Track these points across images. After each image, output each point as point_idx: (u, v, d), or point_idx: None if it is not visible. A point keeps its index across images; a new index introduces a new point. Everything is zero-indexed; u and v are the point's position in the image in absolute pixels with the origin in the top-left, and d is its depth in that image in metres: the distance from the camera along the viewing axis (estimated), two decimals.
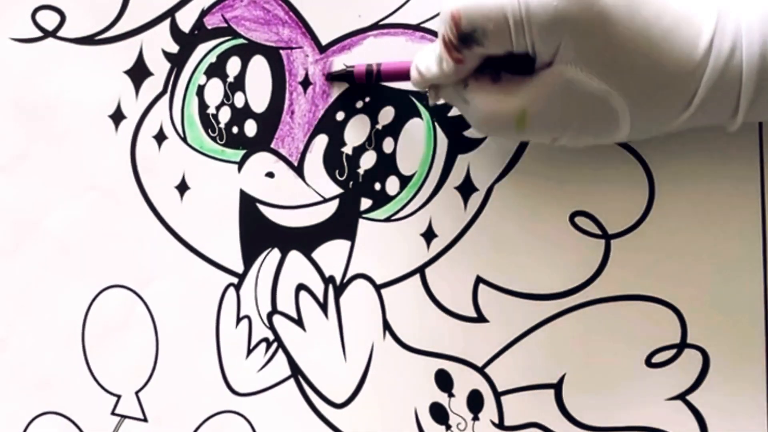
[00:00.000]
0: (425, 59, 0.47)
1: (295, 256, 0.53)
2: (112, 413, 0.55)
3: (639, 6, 0.42)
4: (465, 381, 0.52)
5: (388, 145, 0.53)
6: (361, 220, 0.53)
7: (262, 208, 0.54)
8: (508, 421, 0.52)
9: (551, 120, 0.45)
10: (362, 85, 0.52)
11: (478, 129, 0.47)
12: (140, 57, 0.54)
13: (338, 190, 0.53)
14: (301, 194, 0.53)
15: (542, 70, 0.44)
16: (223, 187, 0.54)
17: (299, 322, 0.53)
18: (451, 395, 0.52)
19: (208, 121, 0.54)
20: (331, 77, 0.53)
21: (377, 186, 0.53)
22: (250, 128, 0.54)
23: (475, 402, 0.52)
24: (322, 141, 0.53)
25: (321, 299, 0.53)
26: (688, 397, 0.51)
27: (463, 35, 0.44)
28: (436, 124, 0.53)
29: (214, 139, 0.54)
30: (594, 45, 0.42)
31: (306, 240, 0.53)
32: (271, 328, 0.54)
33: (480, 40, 0.43)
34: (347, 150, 0.53)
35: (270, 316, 0.54)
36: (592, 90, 0.43)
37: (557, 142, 0.46)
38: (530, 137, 0.47)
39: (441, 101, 0.48)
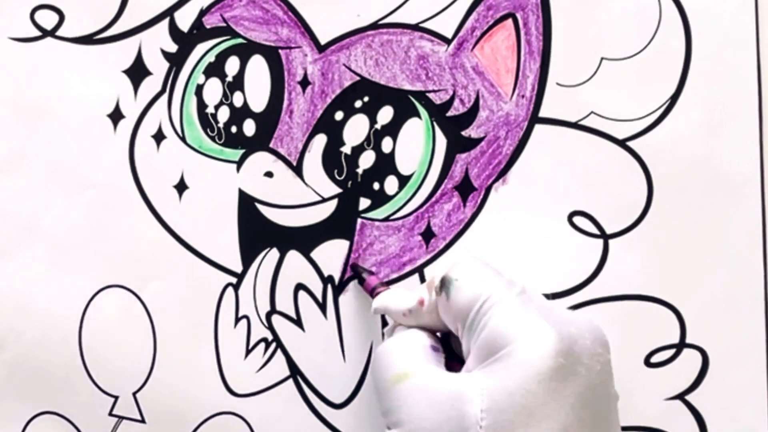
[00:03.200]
0: (392, 297, 0.47)
1: (293, 256, 0.53)
2: (110, 414, 0.55)
3: None
4: None
5: (386, 144, 0.53)
6: (359, 220, 0.53)
7: (260, 207, 0.54)
8: None
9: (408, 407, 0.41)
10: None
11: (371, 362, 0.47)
12: (139, 56, 0.54)
13: (337, 190, 0.53)
14: (299, 194, 0.53)
15: (457, 371, 0.43)
16: (222, 186, 0.54)
17: (298, 322, 0.53)
18: None
19: (206, 121, 0.54)
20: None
21: (376, 185, 0.53)
22: (249, 128, 0.54)
23: None
24: (320, 140, 0.53)
25: (320, 299, 0.53)
26: (687, 397, 0.51)
27: (444, 279, 0.44)
28: (434, 123, 0.53)
29: (212, 138, 0.54)
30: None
31: (305, 239, 0.53)
32: (270, 328, 0.54)
33: (450, 291, 0.43)
34: (346, 150, 0.53)
35: (269, 315, 0.54)
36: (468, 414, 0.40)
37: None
38: (385, 400, 0.43)
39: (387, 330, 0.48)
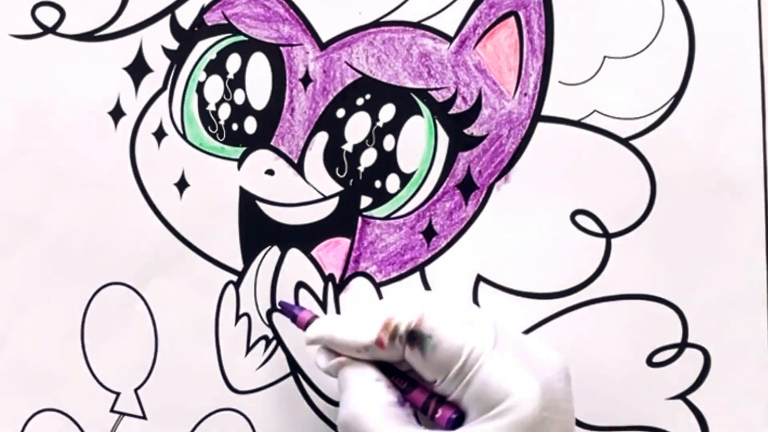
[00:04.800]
0: (339, 327, 0.47)
1: (294, 254, 0.53)
2: (111, 410, 0.55)
3: None
4: None
5: (388, 142, 0.53)
6: (361, 218, 0.53)
7: (261, 205, 0.54)
8: None
9: None
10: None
11: (342, 427, 0.46)
12: (140, 54, 0.54)
13: (338, 188, 0.53)
14: (300, 192, 0.53)
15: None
16: (223, 184, 0.54)
17: None
18: None
19: (207, 118, 0.54)
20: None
21: (377, 184, 0.53)
22: (250, 125, 0.54)
23: None
24: (322, 138, 0.53)
25: (321, 297, 0.53)
26: (689, 397, 0.51)
27: (415, 333, 0.44)
28: (437, 121, 0.52)
29: (213, 136, 0.54)
30: None
31: (306, 238, 0.53)
32: (271, 325, 0.54)
33: (424, 347, 0.44)
34: (347, 147, 0.53)
35: (269, 313, 0.54)
36: None
37: None
38: None
39: (327, 366, 0.48)
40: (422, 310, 0.45)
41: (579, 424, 0.52)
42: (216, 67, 0.54)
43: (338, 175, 0.53)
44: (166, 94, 0.54)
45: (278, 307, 0.53)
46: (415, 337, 0.44)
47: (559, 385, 0.43)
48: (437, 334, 0.44)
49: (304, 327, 0.49)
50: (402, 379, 0.47)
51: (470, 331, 0.44)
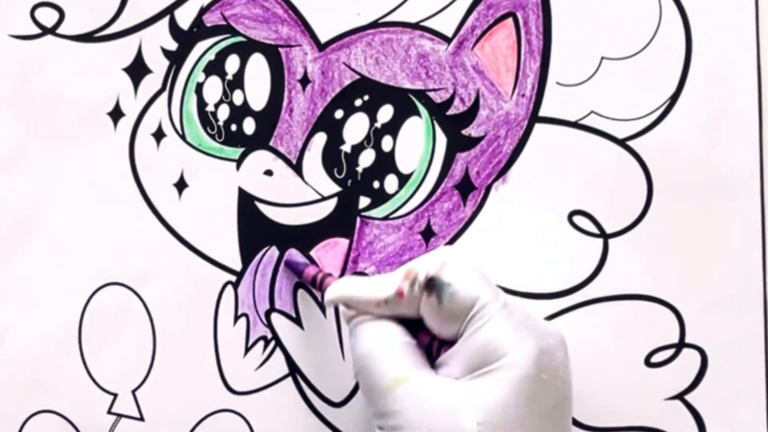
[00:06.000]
0: (358, 285, 0.46)
1: (293, 255, 0.53)
2: (109, 412, 0.55)
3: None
4: None
5: (387, 143, 0.53)
6: (359, 219, 0.53)
7: (260, 206, 0.54)
8: None
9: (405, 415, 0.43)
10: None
11: (357, 363, 0.45)
12: (139, 54, 0.54)
13: (337, 189, 0.53)
14: (299, 192, 0.53)
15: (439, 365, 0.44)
16: (222, 184, 0.54)
17: (297, 320, 0.53)
18: None
19: (206, 119, 0.54)
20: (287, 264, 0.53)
21: (376, 184, 0.53)
22: (249, 126, 0.54)
23: None
24: (320, 139, 0.53)
25: (319, 297, 0.53)
26: (687, 397, 0.51)
27: (434, 280, 0.44)
28: (435, 122, 0.53)
29: (212, 136, 0.54)
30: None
31: (304, 238, 0.53)
32: (269, 326, 0.54)
33: (442, 295, 0.44)
34: (346, 148, 0.53)
35: (268, 314, 0.54)
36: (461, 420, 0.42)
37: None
38: (381, 404, 0.44)
39: (345, 315, 0.47)
40: (444, 259, 0.44)
41: (577, 424, 0.52)
42: (215, 67, 0.54)
43: (337, 175, 0.53)
44: (165, 94, 0.54)
45: (284, 263, 0.53)
46: (434, 284, 0.44)
47: (558, 353, 0.43)
48: (456, 282, 0.44)
49: (311, 282, 0.50)
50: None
51: (486, 289, 0.44)
